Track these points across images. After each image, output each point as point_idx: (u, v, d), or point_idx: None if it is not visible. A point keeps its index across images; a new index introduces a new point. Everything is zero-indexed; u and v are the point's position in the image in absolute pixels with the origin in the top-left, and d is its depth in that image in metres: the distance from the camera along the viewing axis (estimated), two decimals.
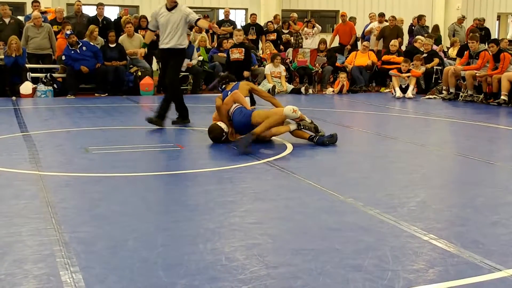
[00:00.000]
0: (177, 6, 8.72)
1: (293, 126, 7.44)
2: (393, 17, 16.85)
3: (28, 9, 16.71)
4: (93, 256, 3.54)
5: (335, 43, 17.61)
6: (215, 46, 16.13)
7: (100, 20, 14.81)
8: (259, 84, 15.02)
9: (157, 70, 15.64)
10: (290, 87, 14.87)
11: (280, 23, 18.03)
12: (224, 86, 8.02)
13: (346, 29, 17.18)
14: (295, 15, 18.74)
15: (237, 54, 11.49)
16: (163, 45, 8.77)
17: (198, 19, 8.81)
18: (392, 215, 4.35)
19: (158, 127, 8.58)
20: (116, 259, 3.50)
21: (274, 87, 14.23)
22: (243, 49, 11.48)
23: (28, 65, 13.61)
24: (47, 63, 14.33)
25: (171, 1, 8.71)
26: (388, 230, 4.06)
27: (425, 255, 3.59)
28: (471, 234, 4.00)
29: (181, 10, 8.71)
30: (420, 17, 17.97)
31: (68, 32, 13.58)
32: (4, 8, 14.49)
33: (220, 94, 7.87)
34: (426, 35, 16.52)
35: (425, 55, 15.06)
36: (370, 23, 17.57)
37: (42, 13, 14.92)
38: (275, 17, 18.42)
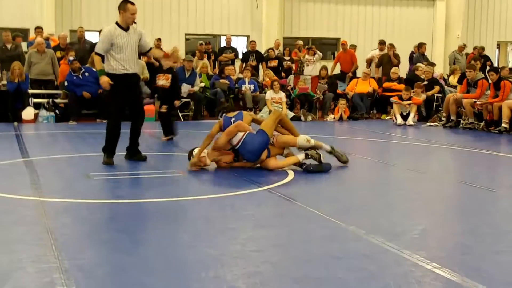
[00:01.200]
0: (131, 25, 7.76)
1: (301, 157, 7.39)
2: (391, 45, 16.96)
3: (32, 35, 16.79)
4: (93, 283, 3.51)
5: (336, 70, 17.69)
6: (217, 72, 16.21)
7: None
8: (260, 110, 15.08)
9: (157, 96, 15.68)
10: (291, 114, 14.89)
11: (281, 49, 18.13)
12: (224, 113, 7.99)
13: (347, 57, 17.29)
14: (301, 42, 18.83)
15: (163, 81, 10.47)
16: (128, 70, 7.68)
17: (151, 48, 8.10)
18: (394, 243, 4.32)
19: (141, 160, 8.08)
20: (116, 286, 3.46)
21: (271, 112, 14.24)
22: (170, 76, 10.47)
23: (30, 91, 13.66)
24: (49, 88, 14.40)
25: (131, 19, 7.63)
26: (391, 258, 4.02)
27: (428, 284, 3.56)
28: (474, 263, 3.96)
29: (136, 31, 7.77)
30: (421, 45, 18.08)
31: (71, 58, 13.66)
32: (7, 35, 14.60)
33: (219, 120, 7.81)
34: (425, 63, 16.60)
35: (425, 82, 15.12)
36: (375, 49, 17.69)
37: (45, 39, 15.02)
38: (275, 42, 18.52)
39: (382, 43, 17.51)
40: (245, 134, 7.39)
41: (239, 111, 8.09)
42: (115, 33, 7.56)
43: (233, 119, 7.63)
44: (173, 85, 10.51)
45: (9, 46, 14.56)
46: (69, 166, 7.81)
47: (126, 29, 7.63)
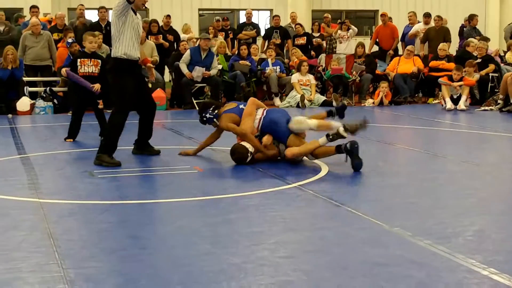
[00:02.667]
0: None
1: (322, 140, 7.24)
2: (438, 17, 16.82)
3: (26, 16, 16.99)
4: None
5: (375, 48, 17.59)
6: (236, 53, 16.22)
7: (103, 25, 14.94)
8: (286, 95, 15.07)
9: (170, 81, 15.79)
10: (322, 98, 14.85)
11: (304, 25, 18.05)
12: (216, 112, 7.74)
13: (387, 31, 17.17)
14: (329, 16, 18.77)
15: (91, 67, 9.44)
16: (137, 56, 7.83)
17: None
18: (445, 247, 4.31)
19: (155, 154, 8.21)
20: None
21: (303, 96, 14.24)
22: (99, 61, 9.50)
23: (25, 78, 13.80)
24: (46, 75, 14.54)
25: (142, 2, 7.80)
26: (441, 264, 4.02)
27: None
28: None
29: (139, 17, 7.94)
30: (472, 17, 17.93)
31: (70, 40, 13.74)
32: (1, 14, 14.77)
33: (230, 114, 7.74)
34: (478, 37, 16.45)
35: (479, 60, 14.99)
36: (409, 24, 17.54)
37: (47, 21, 15.17)
38: (290, 15, 18.38)
39: (427, 15, 17.38)
40: (264, 112, 7.62)
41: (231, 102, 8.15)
42: (130, 12, 7.60)
43: (242, 105, 7.80)
44: (102, 73, 9.20)
45: (1, 28, 14.71)
46: (70, 163, 7.91)
47: (135, 12, 7.74)
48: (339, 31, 16.74)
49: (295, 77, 14.81)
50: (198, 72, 14.02)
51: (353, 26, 16.95)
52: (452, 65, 14.72)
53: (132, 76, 7.75)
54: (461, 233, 4.68)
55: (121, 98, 7.76)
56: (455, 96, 13.88)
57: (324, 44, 17.25)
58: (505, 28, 19.21)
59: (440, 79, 14.23)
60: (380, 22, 17.79)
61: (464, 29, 18.16)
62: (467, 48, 15.70)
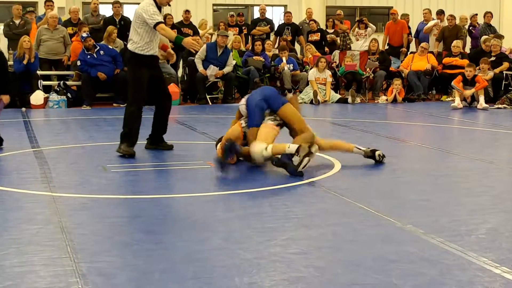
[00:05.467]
0: None
1: (292, 148, 6.74)
2: (451, 16, 16.74)
3: (41, 10, 17.06)
4: None
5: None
6: (250, 48, 16.20)
7: (117, 20, 14.99)
8: (300, 91, 15.05)
9: (183, 76, 15.80)
10: (336, 96, 14.82)
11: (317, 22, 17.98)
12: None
13: (397, 28, 17.12)
14: (342, 12, 18.73)
15: None
16: (155, 51, 7.93)
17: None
18: (458, 244, 4.30)
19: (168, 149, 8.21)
20: None
21: (315, 93, 14.21)
22: None
23: (39, 72, 13.85)
24: (60, 69, 14.59)
25: (167, 1, 7.87)
26: (453, 261, 4.01)
27: None
28: None
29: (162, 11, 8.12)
30: (485, 14, 17.82)
31: (85, 34, 13.77)
32: (18, 8, 14.85)
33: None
34: (492, 35, 16.35)
35: (493, 58, 14.90)
36: (423, 21, 17.47)
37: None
38: (307, 11, 18.33)
39: (440, 12, 17.30)
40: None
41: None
42: (156, 9, 7.68)
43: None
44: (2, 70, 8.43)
45: (17, 22, 14.79)
46: (83, 157, 7.93)
47: (159, 8, 7.80)
48: (356, 29, 16.68)
49: (312, 75, 14.73)
50: (212, 71, 14.02)
51: (371, 24, 16.88)
52: (465, 61, 14.63)
53: (149, 70, 7.80)
54: (474, 231, 4.66)
55: (134, 91, 7.82)
56: (468, 100, 13.69)
57: (339, 41, 17.20)
58: None
59: (453, 83, 13.96)
60: (391, 19, 17.74)
61: (470, 28, 17.93)
62: (483, 45, 15.61)
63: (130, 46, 7.84)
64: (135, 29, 7.73)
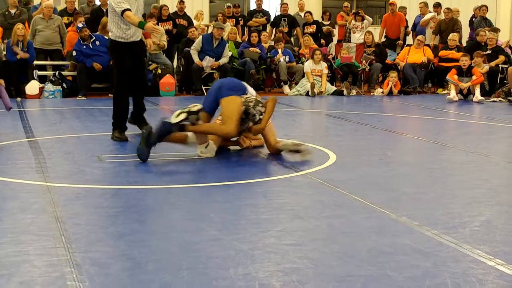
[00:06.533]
0: None
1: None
2: (448, 9, 16.74)
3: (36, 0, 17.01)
4: (108, 279, 3.57)
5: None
6: (246, 39, 16.18)
7: (105, 10, 14.87)
8: (296, 83, 15.05)
9: (179, 67, 15.77)
10: (332, 88, 14.83)
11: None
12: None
13: (394, 20, 17.12)
14: (348, 5, 18.69)
15: None
16: (137, 37, 8.09)
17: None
18: (452, 237, 4.31)
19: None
20: (134, 284, 3.52)
21: (313, 84, 14.21)
22: None
23: (34, 62, 13.82)
24: (55, 59, 14.56)
25: None
26: (447, 254, 4.02)
27: (490, 283, 3.55)
28: None
29: None
30: (480, 7, 17.83)
31: (80, 24, 13.73)
32: None
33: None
34: (488, 28, 16.35)
35: (489, 51, 14.90)
36: (420, 14, 17.47)
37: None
38: (299, 4, 18.29)
39: (437, 5, 17.30)
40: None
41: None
42: None
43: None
44: None
45: (13, 12, 14.74)
46: (78, 147, 7.92)
47: None
48: (353, 21, 16.69)
49: (308, 66, 14.73)
50: (208, 62, 14.02)
51: (367, 17, 16.89)
52: (461, 54, 14.63)
53: (132, 57, 8.05)
54: (468, 224, 4.67)
55: (120, 79, 8.19)
56: (464, 92, 13.73)
57: (338, 33, 17.20)
58: None
59: (448, 76, 14.01)
60: (388, 11, 17.72)
61: (474, 19, 18.04)
62: (477, 37, 15.62)
63: (110, 35, 8.13)
64: (111, 18, 7.96)
